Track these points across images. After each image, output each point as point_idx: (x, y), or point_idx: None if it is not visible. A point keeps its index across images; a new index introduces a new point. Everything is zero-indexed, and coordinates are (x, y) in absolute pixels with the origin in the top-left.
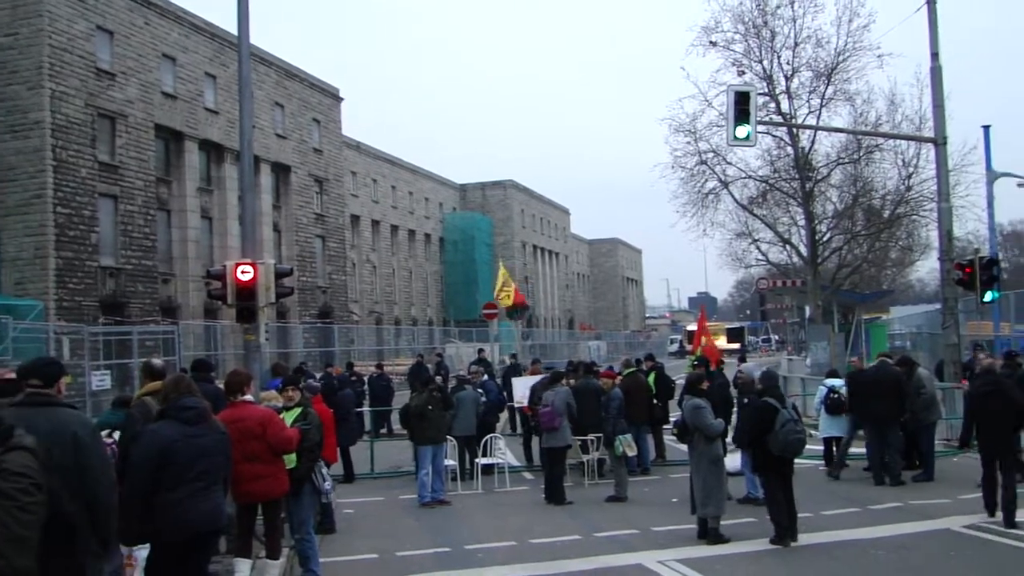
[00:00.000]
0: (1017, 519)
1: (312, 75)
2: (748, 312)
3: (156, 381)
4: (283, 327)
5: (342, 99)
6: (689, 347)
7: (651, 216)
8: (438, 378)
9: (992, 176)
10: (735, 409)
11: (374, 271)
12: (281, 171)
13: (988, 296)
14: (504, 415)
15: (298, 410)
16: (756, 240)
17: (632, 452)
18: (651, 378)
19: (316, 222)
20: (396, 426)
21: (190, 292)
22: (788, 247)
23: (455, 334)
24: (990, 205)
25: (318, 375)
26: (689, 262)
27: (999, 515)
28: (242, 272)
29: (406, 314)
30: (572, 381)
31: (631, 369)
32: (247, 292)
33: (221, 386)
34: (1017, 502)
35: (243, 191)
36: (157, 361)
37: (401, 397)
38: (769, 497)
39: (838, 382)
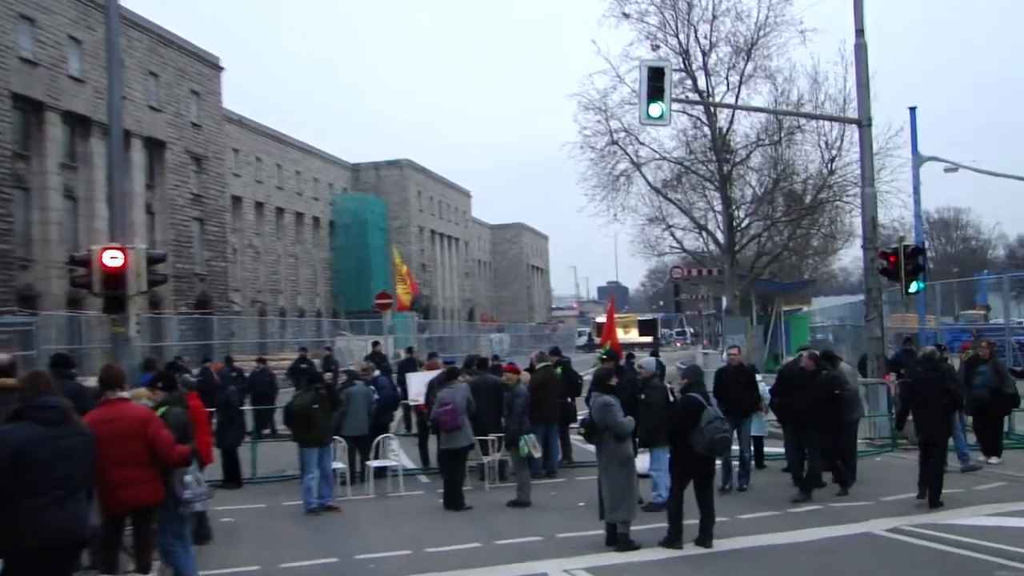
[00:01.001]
0: (941, 500)
1: (190, 42)
2: (662, 303)
3: (3, 378)
4: (156, 318)
5: (223, 69)
6: (598, 340)
7: (559, 200)
8: (328, 375)
9: (919, 160)
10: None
11: (257, 257)
12: (155, 147)
13: (913, 287)
14: (398, 414)
15: (163, 408)
16: (670, 226)
17: (537, 453)
18: (558, 372)
19: (193, 203)
20: (280, 426)
21: (52, 280)
22: (704, 234)
23: (346, 326)
24: (916, 191)
25: (195, 371)
26: (599, 250)
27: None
28: (110, 258)
29: (292, 304)
30: (468, 377)
31: (544, 363)
32: (116, 280)
33: (86, 383)
34: (942, 483)
35: (112, 168)
36: (3, 356)
37: (286, 395)
38: (675, 497)
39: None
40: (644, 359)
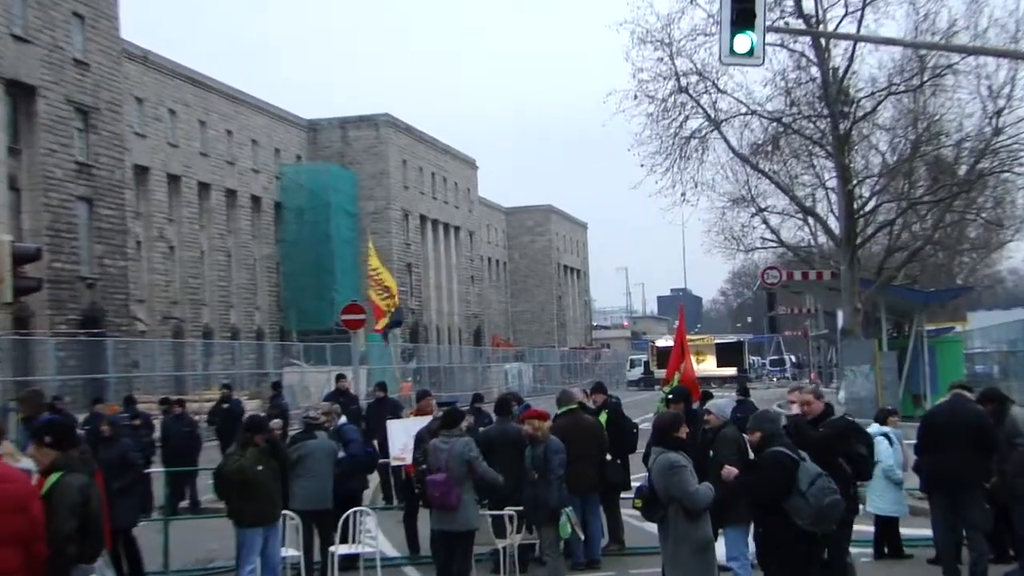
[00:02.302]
0: None
1: None
2: (750, 320)
3: None
4: (23, 341)
5: None
6: (660, 373)
7: (602, 177)
8: (275, 423)
9: None
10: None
11: (171, 255)
12: (21, 95)
13: None
14: (375, 478)
15: (55, 476)
16: (762, 210)
17: (581, 535)
18: (602, 419)
19: (78, 176)
20: (206, 496)
21: None
22: (812, 221)
23: (299, 353)
24: None
25: (80, 418)
26: (660, 245)
27: None
28: None
29: (222, 322)
30: (469, 424)
31: (569, 407)
32: None
33: None
34: None
35: None
36: None
37: (213, 451)
38: None
39: (892, 430)
40: (716, 401)
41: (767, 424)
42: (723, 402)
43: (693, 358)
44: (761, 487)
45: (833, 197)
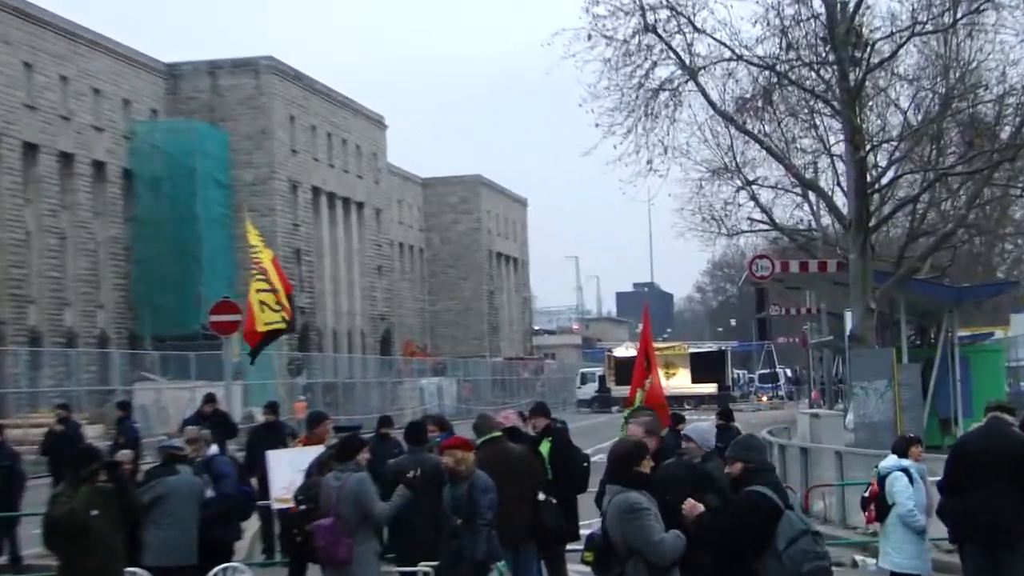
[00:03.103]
0: None
1: None
2: (733, 323)
3: None
4: None
5: None
6: (621, 391)
7: (546, 139)
8: (124, 454)
9: None
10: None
11: None
12: None
13: None
14: (253, 524)
15: None
16: (751, 183)
17: None
18: (544, 450)
19: None
20: (32, 549)
21: None
22: (813, 196)
23: (153, 364)
24: None
25: None
26: (620, 226)
27: None
28: None
29: (53, 325)
30: (367, 458)
31: (493, 434)
32: None
33: None
34: None
35: None
36: None
37: (42, 490)
38: None
39: (913, 465)
40: (699, 425)
41: (751, 453)
42: (706, 426)
43: (662, 372)
44: (728, 534)
45: (841, 166)
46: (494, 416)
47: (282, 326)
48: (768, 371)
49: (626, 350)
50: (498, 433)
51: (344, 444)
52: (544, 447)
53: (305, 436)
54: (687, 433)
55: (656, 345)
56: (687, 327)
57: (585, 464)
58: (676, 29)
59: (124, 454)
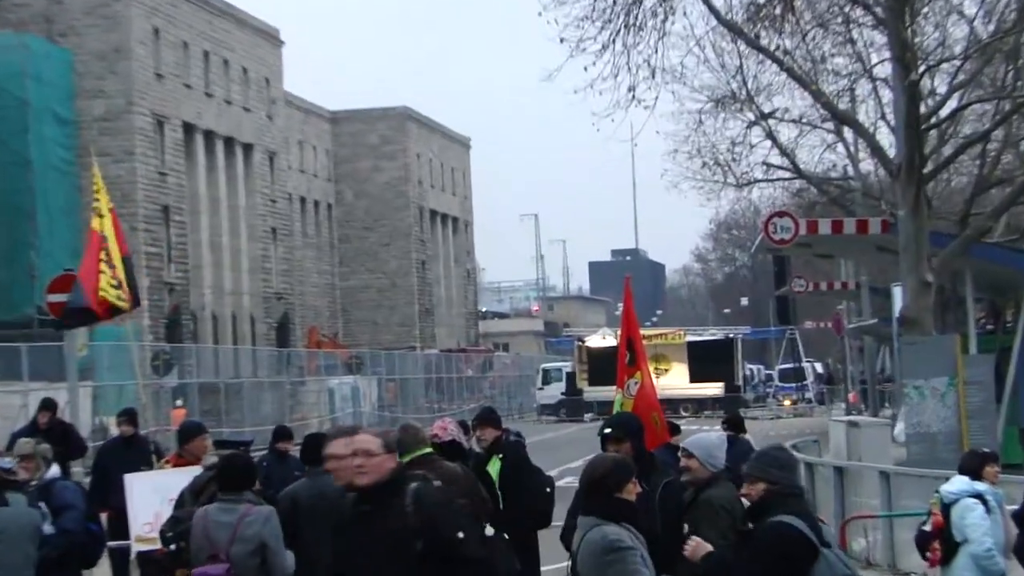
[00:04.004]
0: None
1: None
2: (744, 302)
3: None
4: None
5: None
6: (597, 393)
7: (494, 61)
8: None
9: None
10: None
11: None
12: None
13: None
14: (103, 571)
15: None
16: (767, 116)
17: None
18: (493, 471)
19: None
20: None
21: None
22: (848, 134)
23: None
24: None
25: None
26: (594, 177)
27: None
28: None
29: None
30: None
31: (416, 452)
32: None
33: None
34: None
35: None
36: None
37: None
38: None
39: (989, 489)
40: (702, 436)
41: (776, 470)
42: (713, 438)
43: (651, 367)
44: None
45: (886, 94)
46: (424, 427)
47: (123, 305)
48: (791, 366)
49: (603, 339)
50: (428, 449)
51: (231, 465)
52: (493, 467)
53: (175, 454)
54: (687, 447)
55: (643, 332)
56: (683, 308)
57: (548, 490)
58: None
59: None
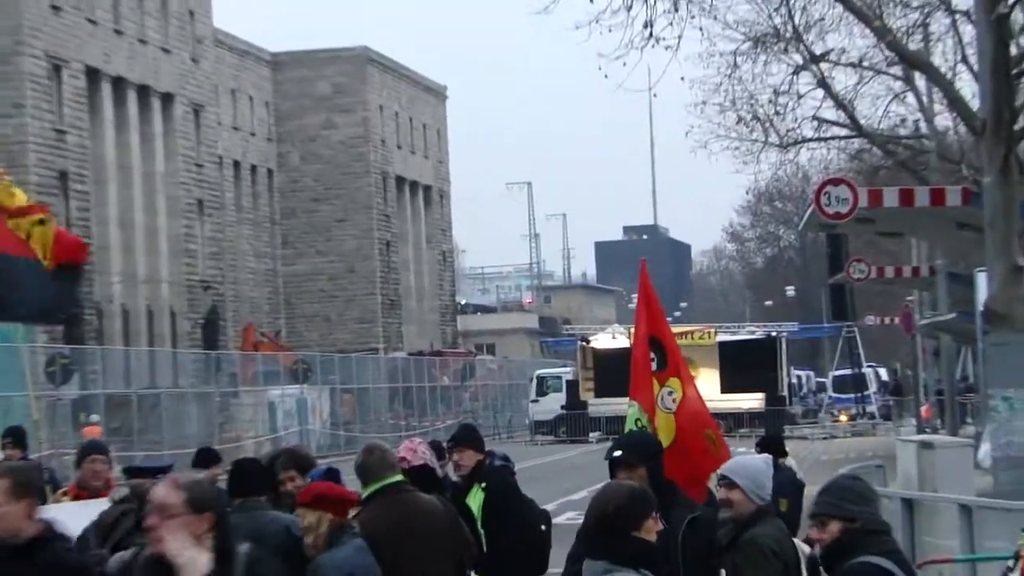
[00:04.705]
0: None
1: None
2: (791, 292)
3: None
4: None
5: None
6: (603, 405)
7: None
8: None
9: None
10: None
11: None
12: None
13: None
14: None
15: None
16: (818, 58)
17: None
18: (474, 504)
19: None
20: None
21: None
22: (922, 81)
23: None
24: None
25: None
26: (601, 138)
27: None
28: None
29: None
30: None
31: (384, 481)
32: None
33: None
34: None
35: None
36: None
37: None
38: None
39: None
40: (746, 459)
41: (854, 505)
42: (758, 462)
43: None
44: None
45: (968, 31)
46: (375, 449)
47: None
48: (849, 372)
49: (613, 338)
50: (398, 477)
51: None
52: (474, 500)
53: (74, 484)
54: (728, 474)
55: (663, 322)
56: (713, 299)
57: (543, 527)
58: None
59: None
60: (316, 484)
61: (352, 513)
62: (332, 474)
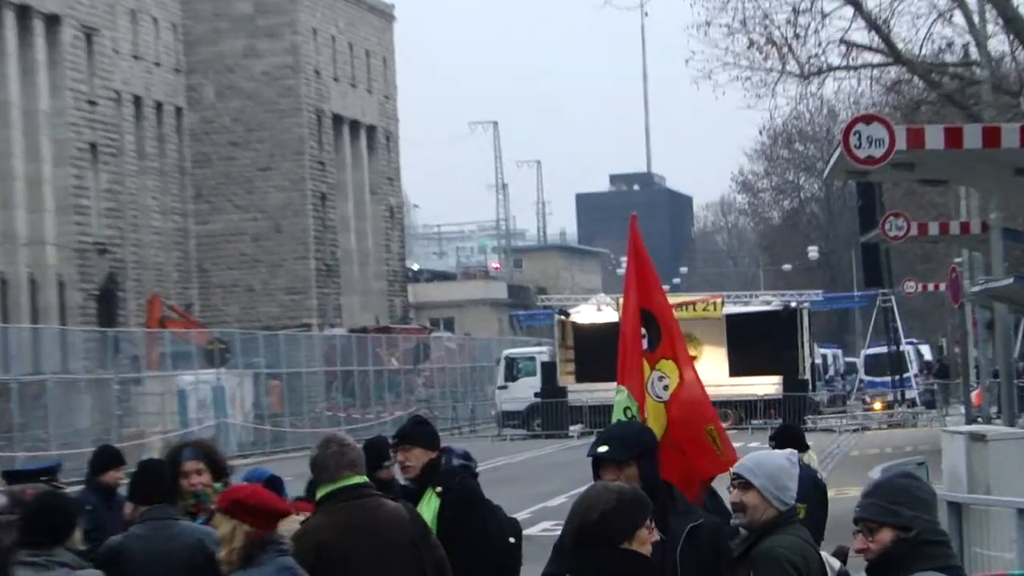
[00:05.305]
0: None
1: None
2: (813, 254)
3: None
4: None
5: None
6: (584, 391)
7: None
8: None
9: None
10: None
11: None
12: None
13: None
14: None
15: None
16: None
17: None
18: (427, 512)
19: None
20: None
21: None
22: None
23: None
24: None
25: None
26: (582, 68)
27: None
28: None
29: None
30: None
31: (343, 482)
32: None
33: None
34: None
35: None
36: None
37: None
38: None
39: None
40: (757, 458)
41: (908, 510)
42: (778, 458)
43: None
44: None
45: None
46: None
47: None
48: (885, 350)
49: (598, 310)
50: (358, 478)
51: (38, 509)
52: (427, 507)
53: None
54: (742, 472)
55: (662, 291)
56: (719, 262)
57: (512, 540)
58: None
59: None
60: (236, 487)
61: (299, 520)
62: (274, 483)
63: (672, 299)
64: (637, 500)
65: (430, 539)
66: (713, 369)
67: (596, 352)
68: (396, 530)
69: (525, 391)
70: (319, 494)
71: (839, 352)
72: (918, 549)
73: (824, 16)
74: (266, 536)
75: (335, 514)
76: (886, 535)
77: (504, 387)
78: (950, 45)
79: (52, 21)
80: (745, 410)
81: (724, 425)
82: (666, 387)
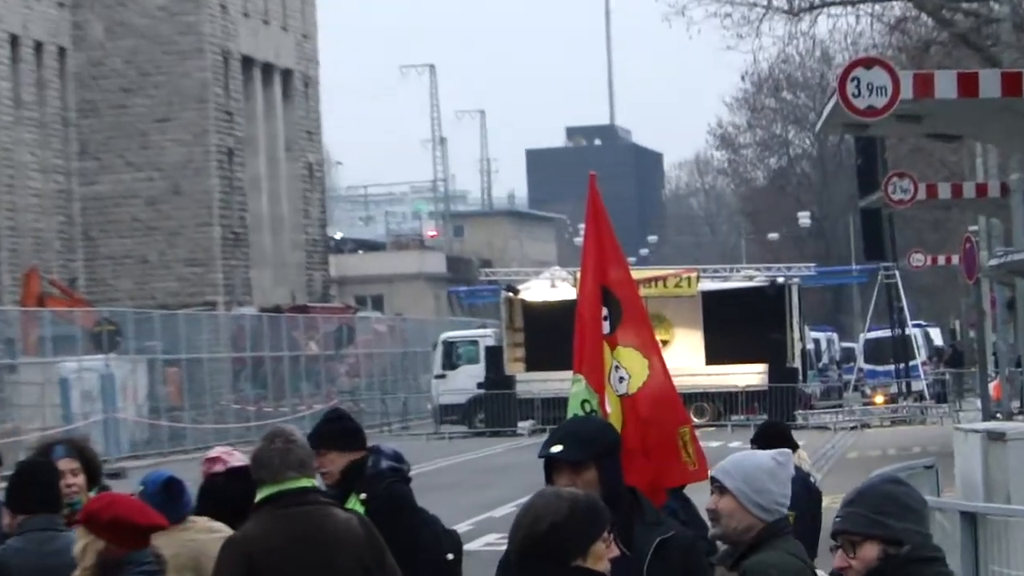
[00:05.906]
0: None
1: None
2: (804, 221)
3: None
4: None
5: None
6: (535, 380)
7: None
8: None
9: None
10: None
11: None
12: None
13: None
14: None
15: None
16: None
17: None
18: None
19: None
20: None
21: None
22: None
23: None
24: None
25: None
26: (533, 7)
27: None
28: None
29: None
30: None
31: (286, 485)
32: None
33: None
34: None
35: None
36: None
37: None
38: None
39: None
40: (733, 461)
41: (896, 521)
42: (762, 460)
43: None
44: None
45: None
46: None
47: None
48: (888, 333)
49: (552, 286)
50: (306, 481)
51: None
52: (354, 507)
53: None
54: (719, 476)
55: (635, 268)
56: (695, 230)
57: (450, 556)
58: None
59: None
60: (97, 497)
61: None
62: (173, 488)
63: (638, 274)
64: (592, 509)
65: (386, 565)
66: (687, 356)
67: (549, 336)
68: (345, 549)
69: (466, 381)
70: (258, 497)
71: (834, 336)
72: (910, 568)
73: None
74: (123, 557)
75: (274, 521)
76: (871, 551)
77: (442, 376)
78: None
79: None
80: (724, 404)
81: (700, 421)
82: (622, 379)
